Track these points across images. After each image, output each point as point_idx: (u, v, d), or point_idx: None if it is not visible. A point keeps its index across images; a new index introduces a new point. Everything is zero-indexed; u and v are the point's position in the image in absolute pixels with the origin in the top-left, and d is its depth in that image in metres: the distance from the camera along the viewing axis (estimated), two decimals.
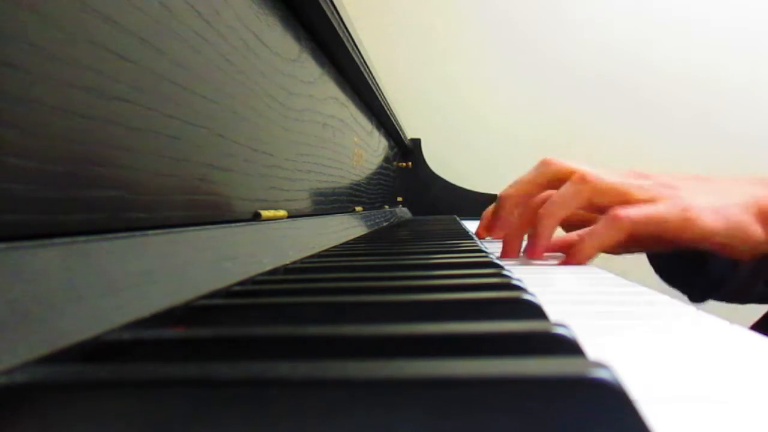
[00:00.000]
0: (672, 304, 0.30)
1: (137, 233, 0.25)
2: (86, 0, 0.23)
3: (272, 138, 0.48)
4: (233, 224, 0.36)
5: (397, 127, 1.35)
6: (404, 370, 0.13)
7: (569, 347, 0.17)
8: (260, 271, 0.34)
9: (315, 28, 0.63)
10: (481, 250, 0.47)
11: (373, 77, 0.92)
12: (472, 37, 1.96)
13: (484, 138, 1.94)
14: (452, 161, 1.88)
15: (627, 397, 0.12)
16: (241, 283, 0.30)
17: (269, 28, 0.48)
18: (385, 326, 0.18)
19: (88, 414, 0.13)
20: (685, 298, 0.60)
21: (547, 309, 0.22)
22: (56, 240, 0.20)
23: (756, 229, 0.45)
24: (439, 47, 1.96)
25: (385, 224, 1.01)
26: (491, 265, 0.36)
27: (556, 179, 0.51)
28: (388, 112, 1.15)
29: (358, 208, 0.88)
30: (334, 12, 0.63)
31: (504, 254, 0.55)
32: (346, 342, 0.17)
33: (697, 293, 0.59)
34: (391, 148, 1.46)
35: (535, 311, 0.22)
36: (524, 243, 0.55)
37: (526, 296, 0.23)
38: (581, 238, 0.48)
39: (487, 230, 0.65)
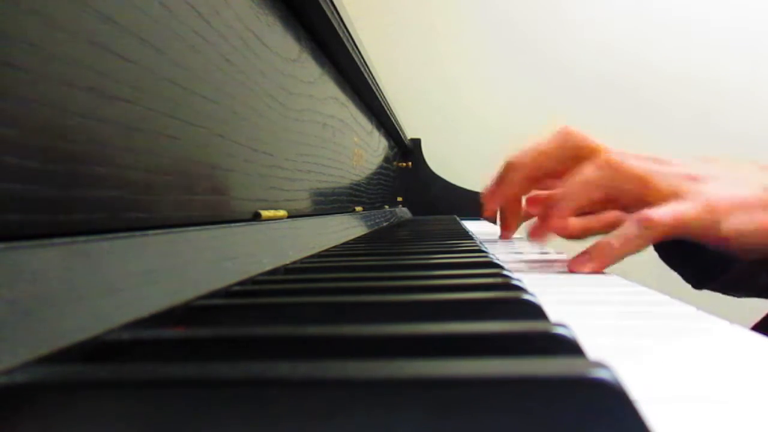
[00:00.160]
0: (672, 303, 0.30)
1: (137, 233, 0.25)
2: (86, 0, 0.23)
3: (272, 138, 0.48)
4: (233, 224, 0.36)
5: (397, 127, 1.35)
6: (404, 370, 0.13)
7: (569, 347, 0.17)
8: (260, 271, 0.34)
9: (315, 28, 0.63)
10: (480, 250, 0.47)
11: (373, 77, 0.92)
12: (472, 37, 1.96)
13: (484, 138, 1.94)
14: (452, 161, 1.88)
15: (627, 397, 0.12)
16: (241, 283, 0.30)
17: (269, 28, 0.48)
18: (385, 326, 0.18)
19: (88, 414, 0.13)
20: (685, 298, 0.58)
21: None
22: (56, 240, 0.20)
23: None
24: (439, 47, 1.96)
25: (385, 224, 1.01)
26: (491, 265, 0.36)
27: (577, 156, 0.46)
28: (388, 112, 1.15)
29: (358, 208, 0.88)
30: (334, 12, 0.63)
31: (503, 233, 0.51)
32: (346, 342, 0.17)
33: (696, 280, 0.56)
34: (391, 148, 1.46)
35: (535, 311, 0.22)
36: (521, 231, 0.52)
37: (526, 296, 0.23)
38: (607, 242, 0.44)
39: (489, 200, 0.55)
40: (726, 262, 0.51)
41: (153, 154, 0.28)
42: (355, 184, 0.90)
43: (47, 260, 0.19)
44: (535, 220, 0.51)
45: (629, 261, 0.53)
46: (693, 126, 1.91)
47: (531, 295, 0.23)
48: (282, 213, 0.47)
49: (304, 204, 0.58)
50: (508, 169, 0.50)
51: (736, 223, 0.42)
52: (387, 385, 0.13)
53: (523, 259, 0.54)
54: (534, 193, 0.57)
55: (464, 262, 0.39)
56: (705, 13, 1.93)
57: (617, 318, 0.27)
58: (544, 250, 0.61)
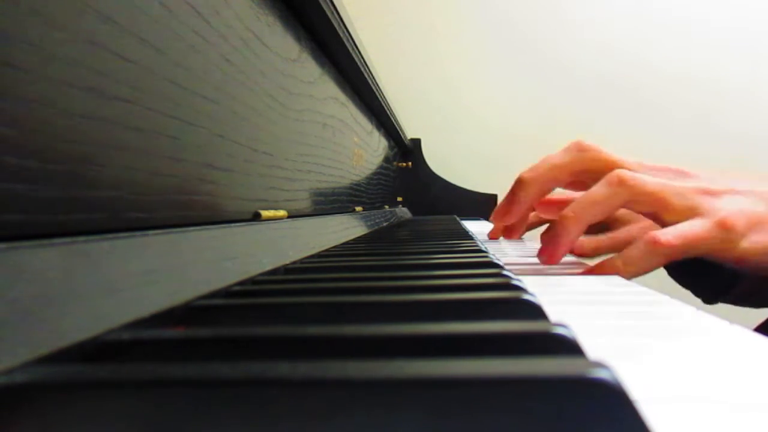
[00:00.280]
0: (672, 303, 0.30)
1: (137, 233, 0.25)
2: (86, 0, 0.23)
3: (272, 138, 0.48)
4: (233, 224, 0.36)
5: (397, 127, 1.35)
6: (404, 370, 0.13)
7: (569, 347, 0.17)
8: (260, 271, 0.34)
9: (315, 28, 0.63)
10: (481, 250, 0.47)
11: (373, 77, 0.92)
12: (472, 37, 1.96)
13: (484, 138, 1.94)
14: (452, 161, 1.88)
15: (627, 397, 0.12)
16: (241, 283, 0.30)
17: (269, 28, 0.48)
18: (385, 326, 0.18)
19: (88, 414, 0.13)
20: (685, 298, 0.58)
21: None
22: (56, 240, 0.20)
23: None
24: (439, 47, 1.96)
25: (385, 224, 1.01)
26: (491, 265, 0.36)
27: (590, 170, 0.45)
28: (388, 112, 1.15)
29: (358, 208, 0.88)
30: (334, 12, 0.63)
31: (506, 234, 0.49)
32: (346, 342, 0.17)
33: (708, 294, 0.55)
34: (391, 148, 1.46)
35: (535, 311, 0.22)
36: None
37: (526, 296, 0.23)
38: (612, 263, 0.43)
39: (499, 219, 0.52)
40: (737, 276, 0.50)
41: (153, 154, 0.28)
42: (355, 184, 0.90)
43: (47, 260, 0.19)
44: (545, 226, 0.49)
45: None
46: (693, 126, 1.91)
47: (531, 295, 0.23)
48: (282, 213, 0.47)
49: (304, 204, 0.58)
50: (520, 186, 0.48)
51: (752, 242, 0.41)
52: (387, 385, 0.13)
53: (522, 261, 0.54)
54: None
55: (464, 262, 0.39)
56: (705, 13, 1.93)
57: (617, 318, 0.27)
58: None
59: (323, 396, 0.12)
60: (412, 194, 1.74)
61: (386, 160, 1.34)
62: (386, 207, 1.25)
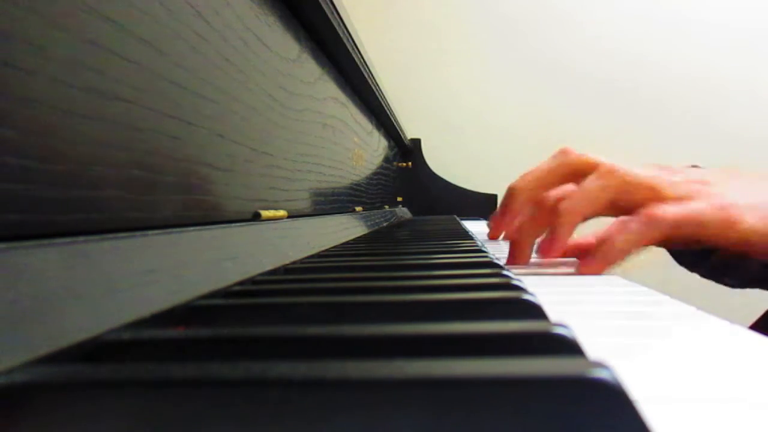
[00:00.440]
0: (672, 303, 0.30)
1: (137, 233, 0.25)
2: (86, 0, 0.23)
3: (272, 138, 0.48)
4: (233, 224, 0.36)
5: (397, 127, 1.35)
6: (404, 370, 0.13)
7: (569, 347, 0.17)
8: (260, 271, 0.34)
9: (315, 28, 0.63)
10: (480, 250, 0.47)
11: (373, 77, 0.92)
12: (472, 38, 1.96)
13: (484, 138, 1.94)
14: (452, 161, 1.88)
15: (627, 397, 0.12)
16: (241, 283, 0.30)
17: (269, 28, 0.48)
18: (385, 326, 0.18)
19: (88, 414, 0.13)
20: (685, 298, 0.58)
21: None
22: (56, 240, 0.20)
23: None
24: (439, 47, 1.96)
25: (384, 224, 1.01)
26: (491, 265, 0.36)
27: (577, 171, 0.45)
28: (388, 112, 1.15)
29: (358, 208, 0.88)
30: (334, 12, 0.63)
31: (512, 260, 0.48)
32: (346, 342, 0.17)
33: (708, 273, 0.55)
34: (391, 148, 1.46)
35: (535, 311, 0.22)
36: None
37: (526, 296, 0.23)
38: (609, 238, 0.42)
39: (495, 229, 0.53)
40: (740, 259, 0.49)
41: (153, 154, 0.28)
42: (355, 184, 0.90)
43: (47, 260, 0.19)
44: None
45: (629, 261, 0.52)
46: (693, 126, 1.91)
47: (531, 294, 0.23)
48: (282, 213, 0.47)
49: (304, 204, 0.58)
50: (511, 195, 0.49)
51: (753, 221, 0.41)
52: (387, 385, 0.13)
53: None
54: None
55: (464, 262, 0.39)
56: (705, 13, 1.93)
57: (617, 318, 0.27)
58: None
59: (323, 396, 0.12)
60: (411, 194, 1.74)
61: (386, 160, 1.34)
62: (386, 207, 1.25)
